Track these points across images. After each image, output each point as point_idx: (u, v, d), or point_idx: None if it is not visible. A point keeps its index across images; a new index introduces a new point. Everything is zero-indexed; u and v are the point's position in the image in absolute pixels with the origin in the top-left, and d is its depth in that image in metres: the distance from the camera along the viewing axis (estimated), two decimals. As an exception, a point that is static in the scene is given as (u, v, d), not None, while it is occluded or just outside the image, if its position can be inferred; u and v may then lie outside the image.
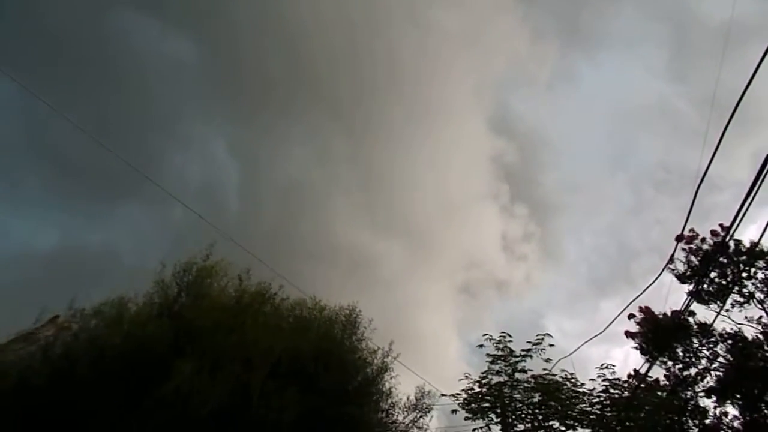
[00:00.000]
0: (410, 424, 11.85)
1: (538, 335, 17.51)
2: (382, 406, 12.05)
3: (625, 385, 18.21)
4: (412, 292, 33.69)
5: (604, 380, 17.57)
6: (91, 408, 9.66)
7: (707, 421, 17.95)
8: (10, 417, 10.19)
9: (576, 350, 17.00)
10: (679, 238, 19.19)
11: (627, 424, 16.39)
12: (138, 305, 10.92)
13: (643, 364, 19.30)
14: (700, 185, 9.55)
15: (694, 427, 17.75)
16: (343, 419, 10.62)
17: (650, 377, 18.38)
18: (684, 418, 17.75)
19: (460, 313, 36.76)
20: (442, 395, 13.51)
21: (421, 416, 11.94)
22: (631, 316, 19.88)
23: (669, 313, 19.56)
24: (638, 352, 20.01)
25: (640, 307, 19.78)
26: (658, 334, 19.12)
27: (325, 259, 30.69)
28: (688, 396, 18.69)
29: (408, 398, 12.11)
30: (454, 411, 16.53)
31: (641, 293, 13.15)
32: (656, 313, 19.78)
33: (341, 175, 38.93)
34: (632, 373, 19.35)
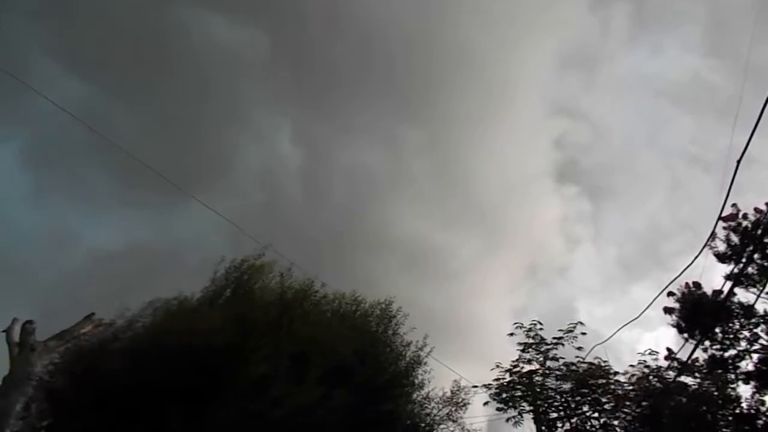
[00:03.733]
0: (445, 417, 12.39)
1: (570, 324, 17.87)
2: (415, 398, 12.60)
3: (661, 369, 18.52)
4: (478, 281, 34.69)
5: (644, 366, 17.84)
6: (143, 403, 10.32)
7: (742, 408, 18.16)
8: (73, 411, 10.97)
9: (612, 336, 17.32)
10: (725, 219, 19.20)
11: (660, 413, 16.75)
12: (191, 301, 11.61)
13: (682, 346, 19.50)
14: (740, 161, 9.66)
15: (728, 416, 18.00)
16: (378, 416, 11.17)
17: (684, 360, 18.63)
18: (715, 409, 17.99)
19: (522, 298, 37.65)
20: (473, 387, 14.00)
21: (455, 410, 12.47)
22: (670, 294, 20.07)
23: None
24: (675, 329, 20.26)
25: (686, 283, 19.94)
26: (698, 312, 19.25)
27: (388, 249, 31.66)
28: (726, 379, 18.91)
29: (443, 392, 12.63)
30: (485, 403, 17.05)
31: (680, 274, 13.29)
32: (697, 290, 19.92)
33: (411, 165, 39.46)
34: (667, 351, 19.64)
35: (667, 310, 20.30)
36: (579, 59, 53.58)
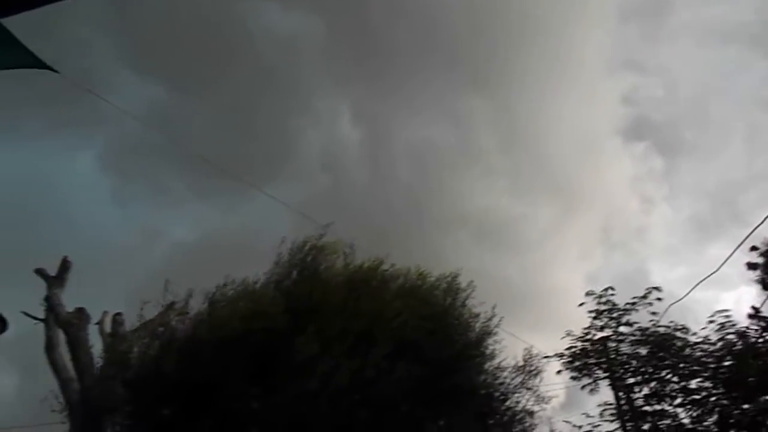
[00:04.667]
0: (518, 386, 12.49)
1: (646, 289, 17.45)
2: (487, 369, 12.74)
3: (744, 329, 17.74)
4: (552, 249, 34.37)
5: (718, 328, 17.20)
6: (217, 387, 10.96)
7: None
8: (143, 404, 11.80)
9: (687, 295, 16.71)
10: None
11: (745, 374, 16.11)
12: (254, 285, 12.18)
13: (764, 302, 18.50)
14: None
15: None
16: (450, 388, 11.39)
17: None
18: None
19: (597, 263, 37.03)
20: (545, 357, 13.97)
21: (529, 378, 12.55)
22: (753, 248, 19.02)
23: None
24: (758, 286, 19.22)
25: None
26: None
27: (459, 224, 31.81)
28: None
29: (516, 361, 12.71)
30: (558, 371, 16.98)
31: (759, 224, 12.45)
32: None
33: (478, 138, 39.04)
34: (753, 309, 18.70)
35: (751, 266, 19.30)
36: (641, 9, 50.74)
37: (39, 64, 4.44)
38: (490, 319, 12.67)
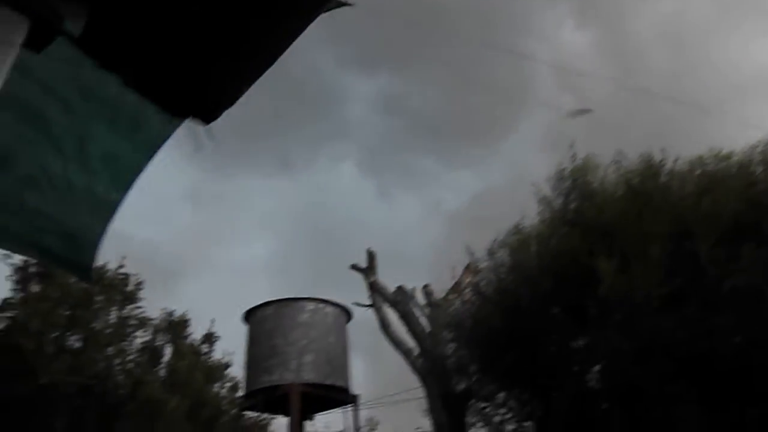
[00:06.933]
0: None
1: None
2: None
3: None
4: None
5: None
6: (537, 329, 11.29)
7: None
8: (486, 357, 12.78)
9: None
10: None
11: None
12: (541, 226, 12.28)
13: None
14: None
15: None
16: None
17: None
18: None
19: None
20: None
21: None
22: None
23: None
24: None
25: None
26: None
27: (746, 92, 27.45)
28: None
29: None
30: None
31: None
32: None
33: None
34: None
35: None
36: None
37: (334, 4, 4.79)
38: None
